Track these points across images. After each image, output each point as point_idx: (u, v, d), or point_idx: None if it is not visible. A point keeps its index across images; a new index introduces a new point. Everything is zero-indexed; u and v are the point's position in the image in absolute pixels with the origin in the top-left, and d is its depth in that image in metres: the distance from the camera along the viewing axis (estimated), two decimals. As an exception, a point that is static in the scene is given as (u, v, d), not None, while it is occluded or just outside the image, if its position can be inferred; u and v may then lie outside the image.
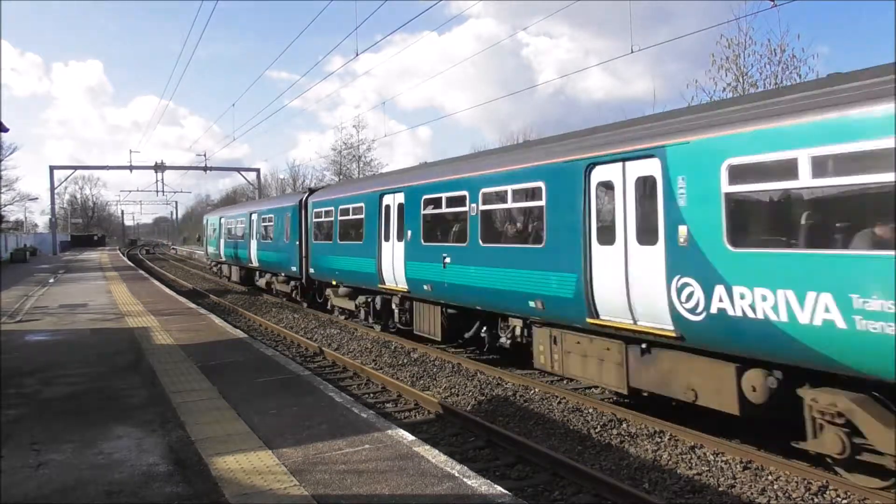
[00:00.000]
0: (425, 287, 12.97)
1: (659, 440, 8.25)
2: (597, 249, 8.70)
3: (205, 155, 65.15)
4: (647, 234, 7.97)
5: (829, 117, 6.13)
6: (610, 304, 8.54)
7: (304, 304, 22.07)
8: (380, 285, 14.97)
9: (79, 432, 6.87)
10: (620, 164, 8.37)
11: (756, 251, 6.76)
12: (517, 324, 11.12)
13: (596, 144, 8.97)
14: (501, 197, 11.12)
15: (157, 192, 69.21)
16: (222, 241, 32.61)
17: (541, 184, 9.82)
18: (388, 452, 6.15)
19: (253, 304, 24.30)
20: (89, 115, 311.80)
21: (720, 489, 6.88)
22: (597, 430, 8.71)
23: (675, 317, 7.52)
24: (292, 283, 22.46)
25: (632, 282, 8.11)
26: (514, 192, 10.74)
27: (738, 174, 6.80)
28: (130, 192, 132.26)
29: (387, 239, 14.63)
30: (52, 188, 64.13)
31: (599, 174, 8.73)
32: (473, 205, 11.48)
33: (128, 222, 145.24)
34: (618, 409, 9.36)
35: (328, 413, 7.51)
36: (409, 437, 6.68)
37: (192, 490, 5.35)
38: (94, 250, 78.37)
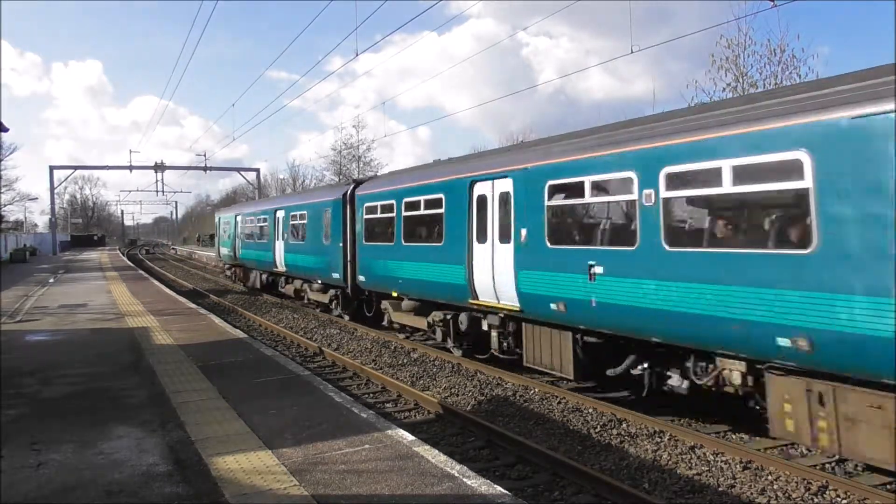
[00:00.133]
0: (553, 306, 9.67)
1: (659, 440, 8.25)
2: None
3: (205, 155, 65.21)
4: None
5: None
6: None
7: (346, 318, 18.57)
8: (471, 301, 11.85)
9: (79, 432, 6.87)
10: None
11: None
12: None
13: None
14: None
15: (157, 192, 69.35)
16: (238, 241, 29.33)
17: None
18: (388, 452, 6.15)
19: (253, 304, 24.29)
20: (89, 115, 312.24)
21: (720, 489, 6.88)
22: (597, 430, 8.71)
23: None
24: (332, 291, 19.10)
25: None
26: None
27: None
28: (130, 192, 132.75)
29: (482, 240, 11.49)
30: (52, 188, 64.17)
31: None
32: (650, 191, 8.12)
33: (128, 222, 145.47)
34: (618, 409, 9.36)
35: (328, 413, 7.51)
36: (409, 437, 6.68)
37: (192, 490, 5.35)
38: (93, 250, 78.35)
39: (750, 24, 24.30)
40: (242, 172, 74.99)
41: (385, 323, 16.31)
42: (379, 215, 15.59)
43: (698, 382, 8.11)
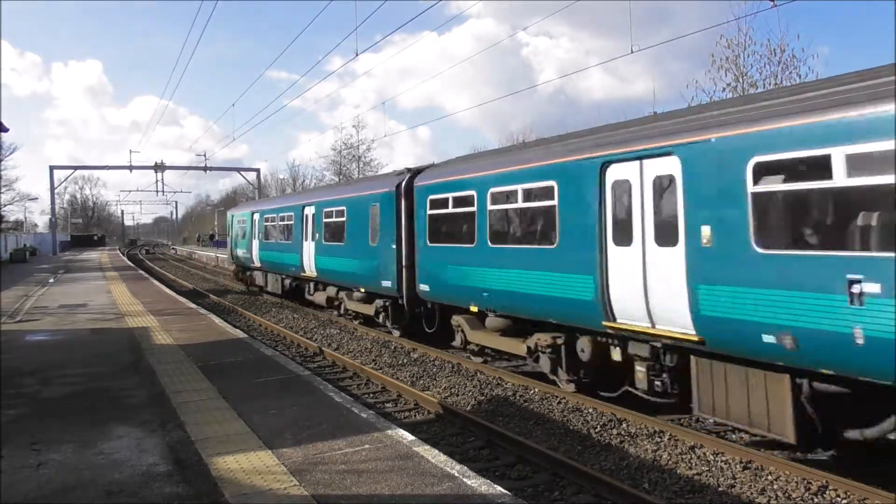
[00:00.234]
0: (768, 338, 6.79)
1: (659, 440, 8.25)
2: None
3: (204, 155, 65.25)
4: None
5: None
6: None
7: (396, 333, 15.69)
8: (605, 323, 8.92)
9: (79, 432, 6.87)
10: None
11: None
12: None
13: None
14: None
15: (157, 192, 69.42)
16: (256, 242, 26.04)
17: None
18: (388, 452, 6.15)
19: (253, 304, 24.29)
20: (89, 115, 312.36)
21: (720, 489, 6.88)
22: (597, 430, 8.71)
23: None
24: (379, 302, 15.85)
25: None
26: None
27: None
28: (130, 192, 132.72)
29: (622, 242, 8.67)
30: (52, 188, 64.19)
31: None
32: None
33: (128, 222, 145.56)
34: (617, 409, 9.36)
35: (328, 413, 7.51)
36: (409, 437, 6.68)
37: (192, 490, 5.35)
38: (93, 250, 78.37)
39: (750, 24, 24.29)
40: (242, 172, 75.02)
41: (457, 343, 13.25)
42: (451, 210, 12.68)
43: None
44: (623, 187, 8.72)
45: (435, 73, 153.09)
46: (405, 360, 13.44)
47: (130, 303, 19.83)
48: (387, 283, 14.84)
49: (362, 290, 16.60)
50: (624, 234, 8.64)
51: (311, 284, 20.79)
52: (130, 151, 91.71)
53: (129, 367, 10.19)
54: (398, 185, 14.68)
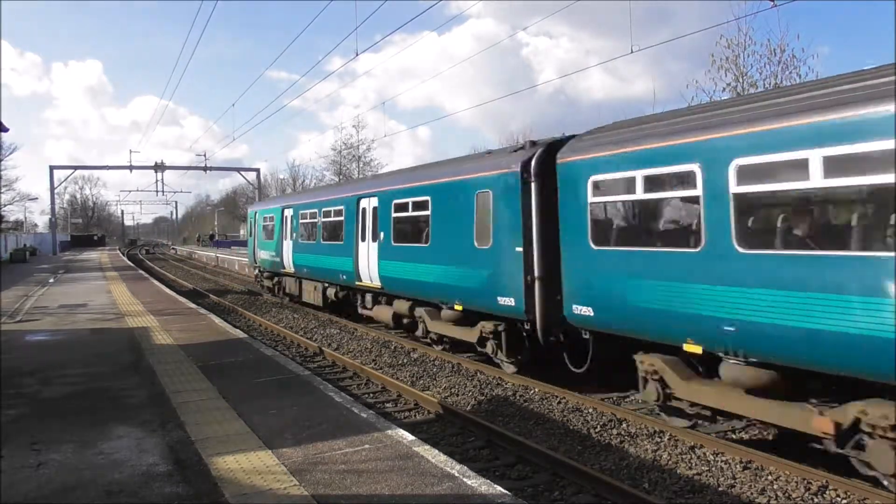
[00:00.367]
0: None
1: (659, 440, 8.25)
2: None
3: (204, 155, 65.33)
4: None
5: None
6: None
7: (510, 369, 11.55)
8: None
9: (79, 432, 6.88)
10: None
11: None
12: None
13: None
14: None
15: (157, 192, 69.54)
16: (289, 243, 22.02)
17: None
18: (388, 452, 6.15)
19: (253, 304, 24.28)
20: (89, 115, 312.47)
21: (720, 489, 6.88)
22: (597, 430, 8.71)
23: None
24: (486, 325, 11.64)
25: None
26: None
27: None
28: (130, 192, 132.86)
29: None
30: (52, 188, 64.26)
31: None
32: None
33: (128, 222, 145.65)
34: (618, 409, 9.36)
35: (328, 413, 7.52)
36: (409, 437, 6.68)
37: (192, 490, 5.35)
38: (93, 250, 78.39)
39: (750, 24, 24.27)
40: (242, 172, 75.10)
41: (653, 401, 8.70)
42: (643, 195, 8.44)
43: None
44: None
45: (435, 73, 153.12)
46: (405, 360, 13.44)
47: (130, 303, 19.84)
48: (506, 301, 10.75)
49: (457, 306, 12.34)
50: None
51: (369, 296, 16.85)
52: (130, 151, 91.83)
53: (129, 367, 10.19)
54: (526, 164, 10.42)
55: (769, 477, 7.03)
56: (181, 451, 6.28)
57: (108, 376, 9.57)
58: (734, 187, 7.12)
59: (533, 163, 10.39)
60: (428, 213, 13.29)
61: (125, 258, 58.12)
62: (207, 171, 67.24)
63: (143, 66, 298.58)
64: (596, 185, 9.16)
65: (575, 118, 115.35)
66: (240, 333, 14.20)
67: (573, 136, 10.32)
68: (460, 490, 5.25)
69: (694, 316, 7.66)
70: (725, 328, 7.29)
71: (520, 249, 10.44)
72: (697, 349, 7.78)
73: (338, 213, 18.08)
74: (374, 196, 16.02)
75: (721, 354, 7.52)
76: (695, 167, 7.63)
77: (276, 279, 24.62)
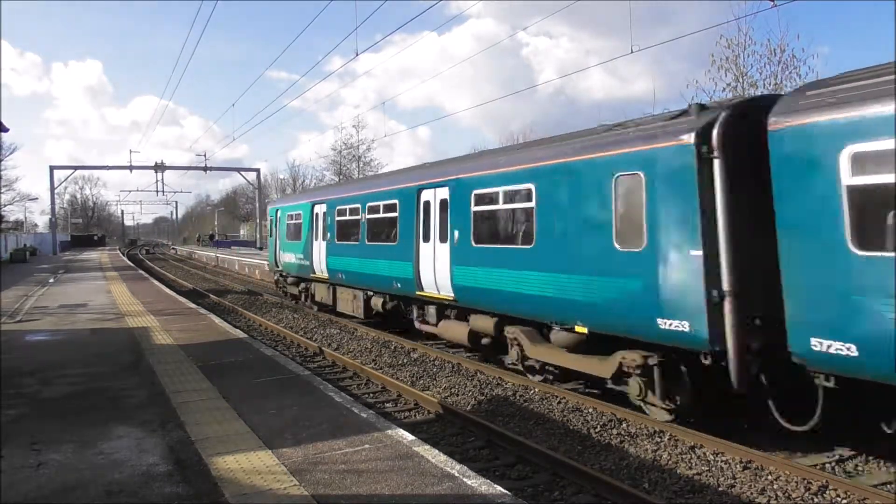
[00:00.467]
0: None
1: (659, 440, 8.25)
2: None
3: (205, 155, 65.40)
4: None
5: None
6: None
7: (663, 417, 8.75)
8: None
9: (79, 432, 6.88)
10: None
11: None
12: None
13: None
14: None
15: (157, 192, 69.66)
16: (321, 244, 18.96)
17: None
18: (388, 452, 6.16)
19: (253, 304, 24.28)
20: (89, 115, 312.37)
21: (720, 489, 6.88)
22: (597, 430, 8.71)
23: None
24: (632, 357, 8.70)
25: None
26: None
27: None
28: (130, 192, 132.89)
29: None
30: (52, 188, 64.33)
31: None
32: None
33: (128, 222, 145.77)
34: (618, 409, 9.36)
35: (328, 413, 7.52)
36: (409, 436, 6.68)
37: (192, 490, 5.35)
38: (93, 250, 78.42)
39: (750, 24, 24.26)
40: (242, 172, 75.16)
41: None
42: None
43: None
44: None
45: (435, 73, 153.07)
46: (405, 360, 13.44)
47: (130, 303, 19.84)
48: (672, 325, 7.91)
49: (579, 328, 9.47)
50: None
51: (432, 309, 13.76)
52: (130, 151, 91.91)
53: (129, 367, 10.20)
54: (705, 132, 7.62)
55: (769, 477, 7.04)
56: (181, 451, 6.28)
57: (108, 376, 9.57)
58: None
59: (716, 131, 7.49)
60: (530, 205, 10.34)
61: (125, 258, 58.13)
62: (207, 171, 67.35)
63: (143, 66, 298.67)
64: (860, 159, 6.16)
65: (575, 118, 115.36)
66: (240, 333, 14.20)
67: (776, 96, 8.00)
68: (460, 490, 5.25)
69: None
70: None
71: (697, 253, 7.58)
72: None
73: (389, 207, 15.04)
74: (441, 186, 12.87)
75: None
76: None
77: (302, 285, 21.41)
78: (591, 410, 9.51)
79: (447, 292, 12.60)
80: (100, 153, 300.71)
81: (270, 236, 24.85)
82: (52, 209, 69.77)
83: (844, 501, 6.49)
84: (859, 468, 7.23)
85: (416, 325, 14.59)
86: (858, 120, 6.17)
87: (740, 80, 24.92)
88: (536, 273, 10.17)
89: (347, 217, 17.39)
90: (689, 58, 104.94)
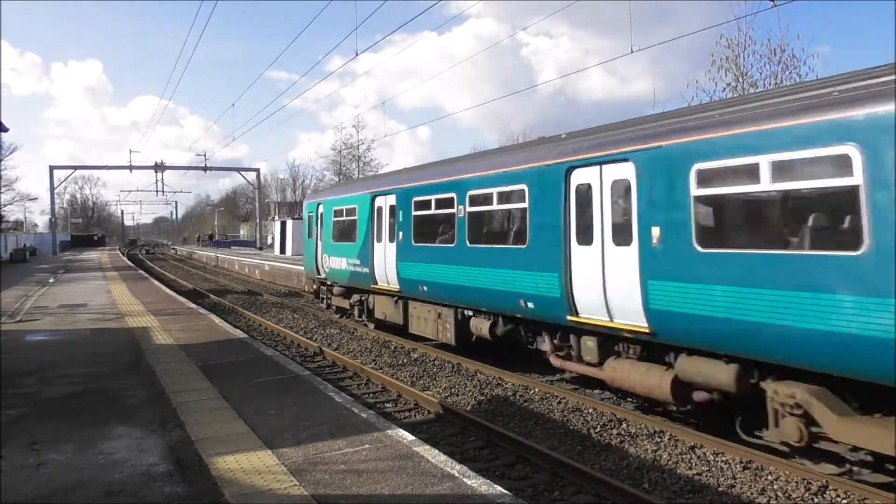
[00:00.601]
0: None
1: (659, 440, 8.25)
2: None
3: (204, 155, 65.42)
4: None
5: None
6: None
7: None
8: None
9: (79, 432, 6.87)
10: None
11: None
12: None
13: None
14: None
15: (157, 192, 69.63)
16: (389, 248, 14.81)
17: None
18: (388, 452, 6.15)
19: (253, 304, 24.27)
20: (89, 115, 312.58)
21: (720, 489, 6.88)
22: (597, 430, 8.71)
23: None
24: None
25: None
26: None
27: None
28: (130, 192, 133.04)
29: None
30: (52, 188, 64.33)
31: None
32: None
33: (128, 222, 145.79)
34: (617, 409, 9.36)
35: (328, 413, 7.51)
36: (409, 436, 6.68)
37: (192, 490, 5.35)
38: (93, 250, 78.41)
39: (750, 23, 24.12)
40: (242, 172, 75.16)
41: None
42: None
43: None
44: None
45: (435, 73, 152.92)
46: (405, 360, 13.44)
47: (130, 303, 19.83)
48: None
49: None
50: None
51: (590, 342, 9.55)
52: (130, 151, 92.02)
53: (129, 367, 10.19)
54: None
55: (769, 477, 7.04)
56: (181, 450, 6.28)
57: (108, 376, 9.57)
58: None
59: None
60: (855, 181, 6.08)
61: (125, 258, 58.12)
62: (207, 171, 67.37)
63: (143, 66, 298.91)
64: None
65: (575, 118, 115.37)
66: (240, 333, 14.20)
67: None
68: (460, 490, 5.25)
69: None
70: None
71: None
72: None
73: (510, 196, 10.92)
74: (621, 160, 8.68)
75: None
76: None
77: (356, 297, 17.37)
78: (591, 410, 9.51)
79: (633, 320, 8.41)
80: (100, 153, 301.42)
81: (309, 237, 20.45)
82: (52, 209, 69.79)
83: (844, 501, 6.49)
84: (859, 468, 7.21)
85: (554, 361, 10.47)
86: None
87: (740, 80, 24.91)
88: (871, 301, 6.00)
89: (434, 211, 13.20)
90: (689, 58, 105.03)
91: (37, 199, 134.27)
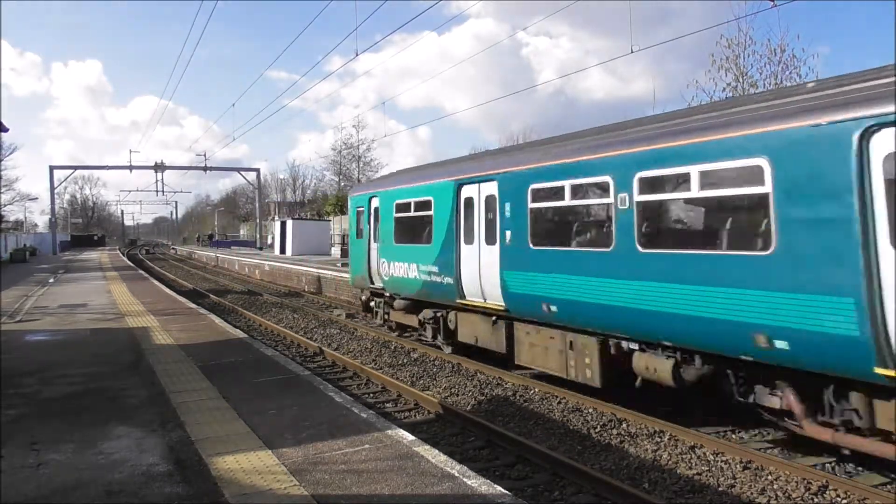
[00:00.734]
0: None
1: (659, 440, 8.25)
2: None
3: (204, 155, 65.46)
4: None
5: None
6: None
7: None
8: None
9: (79, 432, 6.87)
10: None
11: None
12: None
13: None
14: None
15: (157, 192, 69.66)
16: (489, 251, 11.41)
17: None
18: (388, 452, 6.15)
19: (253, 304, 24.28)
20: (89, 115, 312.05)
21: (720, 489, 6.88)
22: (597, 430, 8.72)
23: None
24: None
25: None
26: None
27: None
28: (130, 192, 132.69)
29: None
30: (52, 188, 64.38)
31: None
32: None
33: (128, 222, 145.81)
34: (617, 409, 9.35)
35: (328, 413, 7.51)
36: (409, 436, 6.68)
37: (192, 490, 5.35)
38: (93, 250, 78.41)
39: (750, 23, 24.06)
40: (242, 172, 75.16)
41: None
42: None
43: None
44: None
45: (435, 73, 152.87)
46: (405, 360, 13.44)
47: (130, 303, 19.83)
48: None
49: None
50: None
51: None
52: (130, 151, 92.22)
53: (129, 367, 10.19)
54: None
55: (769, 477, 7.04)
56: (181, 450, 6.28)
57: (108, 376, 9.57)
58: None
59: None
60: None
61: (125, 258, 58.12)
62: (207, 171, 67.45)
63: (143, 66, 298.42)
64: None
65: (575, 119, 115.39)
66: (240, 333, 14.20)
67: None
68: (460, 490, 5.25)
69: None
70: None
71: None
72: None
73: (728, 177, 7.50)
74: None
75: None
76: None
77: (428, 314, 13.84)
78: (591, 410, 9.51)
79: None
80: (100, 153, 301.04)
81: (358, 237, 16.89)
82: (52, 209, 69.83)
83: (844, 501, 6.49)
84: (859, 468, 7.22)
85: (814, 431, 7.04)
86: None
87: (740, 80, 24.93)
88: None
89: (569, 203, 9.82)
90: (689, 58, 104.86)
91: (37, 199, 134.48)
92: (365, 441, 6.48)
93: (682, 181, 7.96)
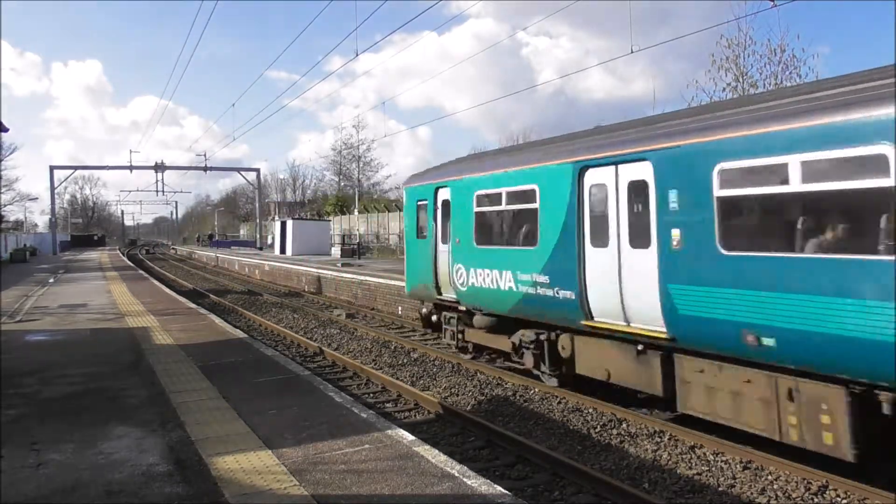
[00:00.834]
0: None
1: (659, 440, 8.25)
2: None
3: (205, 155, 65.46)
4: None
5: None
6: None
7: None
8: None
9: (79, 432, 6.87)
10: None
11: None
12: None
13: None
14: None
15: (157, 192, 69.65)
16: (645, 257, 8.18)
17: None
18: (388, 452, 6.15)
19: (253, 304, 24.27)
20: (89, 115, 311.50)
21: (720, 489, 6.88)
22: (597, 430, 8.71)
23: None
24: None
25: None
26: None
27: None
28: (130, 192, 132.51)
29: None
30: (52, 188, 64.40)
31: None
32: None
33: (128, 222, 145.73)
34: (617, 409, 9.36)
35: (328, 413, 7.51)
36: (409, 436, 6.68)
37: (192, 490, 5.35)
38: (93, 250, 78.40)
39: (750, 23, 24.03)
40: (242, 172, 75.17)
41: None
42: None
43: None
44: None
45: (435, 73, 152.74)
46: (405, 360, 13.44)
47: (130, 303, 19.83)
48: None
49: None
50: None
51: None
52: (130, 151, 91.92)
53: (129, 367, 10.19)
54: None
55: (769, 477, 7.04)
56: (181, 450, 6.28)
57: (108, 376, 9.57)
58: None
59: None
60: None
61: (125, 258, 58.11)
62: (207, 171, 67.40)
63: (143, 66, 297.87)
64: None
65: (575, 119, 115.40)
66: (240, 333, 14.20)
67: None
68: (460, 490, 5.25)
69: None
70: None
71: None
72: None
73: None
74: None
75: None
76: None
77: (528, 334, 10.83)
78: (591, 410, 9.51)
79: None
80: (100, 153, 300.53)
81: (419, 237, 13.96)
82: (52, 209, 69.85)
83: (844, 501, 6.49)
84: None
85: None
86: None
87: (740, 80, 24.95)
88: None
89: (792, 189, 6.60)
90: (689, 58, 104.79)
91: (37, 199, 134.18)
92: (365, 441, 6.48)
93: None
